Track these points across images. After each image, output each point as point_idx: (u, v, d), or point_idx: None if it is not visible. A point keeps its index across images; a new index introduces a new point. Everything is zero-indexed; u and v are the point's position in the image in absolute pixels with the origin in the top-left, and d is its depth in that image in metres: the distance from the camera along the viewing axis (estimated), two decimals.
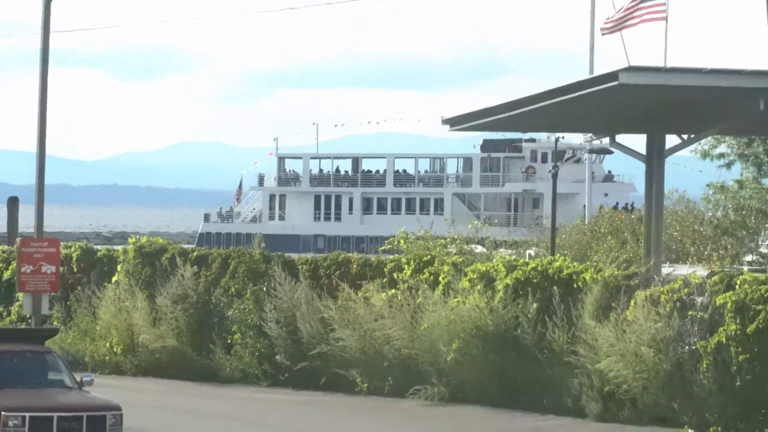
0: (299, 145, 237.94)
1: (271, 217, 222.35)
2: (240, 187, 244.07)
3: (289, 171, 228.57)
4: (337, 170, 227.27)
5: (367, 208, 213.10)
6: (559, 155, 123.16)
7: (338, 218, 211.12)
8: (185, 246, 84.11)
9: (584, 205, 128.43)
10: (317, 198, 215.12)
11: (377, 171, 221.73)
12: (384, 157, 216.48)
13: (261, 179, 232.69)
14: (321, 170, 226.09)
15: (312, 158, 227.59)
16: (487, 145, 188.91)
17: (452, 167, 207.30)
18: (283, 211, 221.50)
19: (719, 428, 53.06)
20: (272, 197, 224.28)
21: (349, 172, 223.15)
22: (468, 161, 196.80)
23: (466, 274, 61.96)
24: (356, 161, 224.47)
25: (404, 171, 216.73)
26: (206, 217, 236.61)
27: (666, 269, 65.46)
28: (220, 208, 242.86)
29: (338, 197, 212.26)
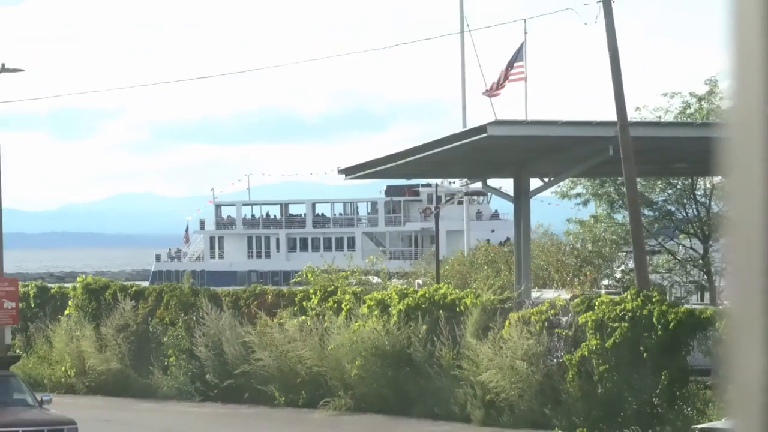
0: (222, 193, 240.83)
1: (212, 256, 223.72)
2: (187, 230, 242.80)
3: (226, 216, 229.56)
4: (267, 215, 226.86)
5: (292, 246, 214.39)
6: (445, 198, 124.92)
7: (268, 256, 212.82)
8: (127, 283, 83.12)
9: (475, 240, 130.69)
10: (250, 239, 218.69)
11: (299, 215, 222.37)
12: (304, 203, 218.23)
13: (202, 224, 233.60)
14: (253, 215, 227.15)
15: (244, 205, 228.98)
16: (390, 190, 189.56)
17: (362, 210, 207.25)
18: (222, 250, 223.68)
19: (585, 430, 53.78)
20: (212, 239, 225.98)
21: (277, 216, 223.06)
22: (374, 205, 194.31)
23: (365, 302, 63.13)
24: (283, 207, 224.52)
25: (322, 214, 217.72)
26: (158, 257, 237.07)
27: (535, 293, 66.41)
28: (170, 249, 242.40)
29: (267, 238, 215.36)
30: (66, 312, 73.58)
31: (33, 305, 75.70)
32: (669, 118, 76.76)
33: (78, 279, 77.02)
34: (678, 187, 78.90)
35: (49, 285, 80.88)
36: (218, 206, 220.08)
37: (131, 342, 70.64)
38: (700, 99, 79.12)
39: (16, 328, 69.46)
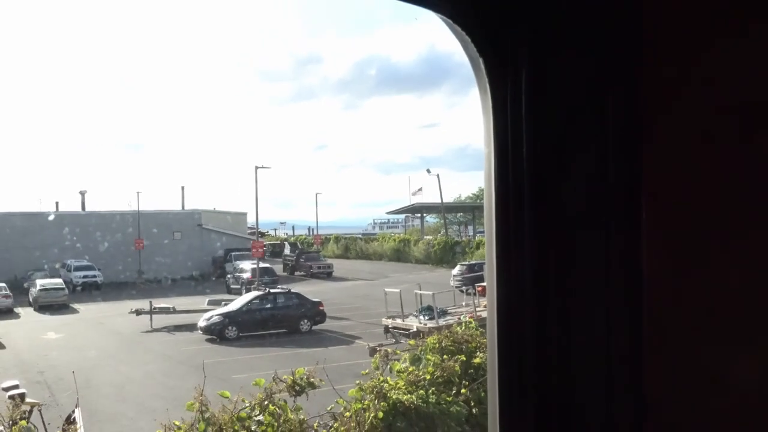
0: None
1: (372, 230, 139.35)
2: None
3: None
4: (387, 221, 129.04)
5: (382, 227, 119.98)
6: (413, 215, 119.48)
7: (382, 229, 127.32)
8: (342, 234, 67.06)
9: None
10: (378, 225, 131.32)
11: (387, 220, 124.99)
12: (386, 219, 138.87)
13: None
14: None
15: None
16: (406, 216, 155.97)
17: (401, 219, 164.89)
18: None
19: (433, 265, 47.94)
20: (377, 224, 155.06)
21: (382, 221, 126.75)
22: (403, 219, 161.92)
23: (390, 239, 57.35)
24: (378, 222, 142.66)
25: (390, 220, 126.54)
26: (364, 229, 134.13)
27: (425, 237, 58.47)
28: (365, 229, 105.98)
29: (383, 224, 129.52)
30: (330, 241, 62.34)
31: (324, 240, 62.15)
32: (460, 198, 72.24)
33: (333, 235, 64.44)
34: (454, 215, 73.44)
35: (327, 237, 66.68)
36: (374, 220, 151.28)
37: (343, 247, 62.47)
38: (458, 197, 74.80)
39: (320, 244, 58.51)
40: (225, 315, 23.48)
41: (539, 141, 1.26)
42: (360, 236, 69.57)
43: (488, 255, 1.35)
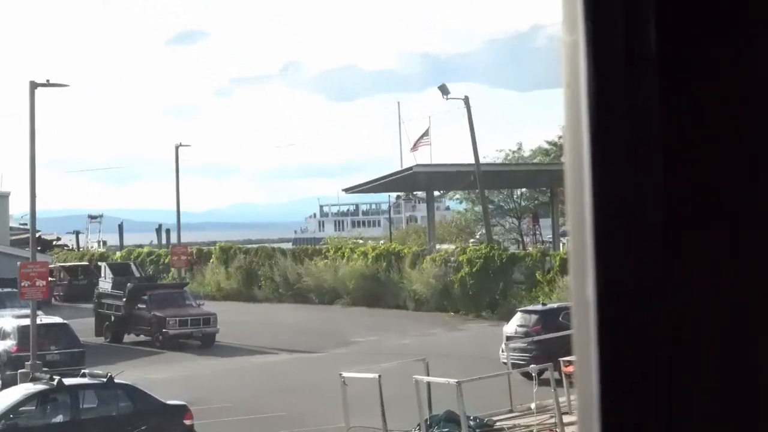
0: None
1: (319, 230, 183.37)
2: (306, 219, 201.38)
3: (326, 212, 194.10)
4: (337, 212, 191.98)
5: (340, 227, 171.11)
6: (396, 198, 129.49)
7: (340, 229, 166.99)
8: (241, 246, 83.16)
9: (406, 223, 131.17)
10: (331, 222, 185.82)
11: (341, 210, 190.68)
12: (348, 205, 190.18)
13: (312, 216, 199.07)
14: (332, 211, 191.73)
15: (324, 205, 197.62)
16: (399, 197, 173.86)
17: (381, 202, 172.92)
18: (322, 228, 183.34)
19: (462, 311, 58.33)
20: (319, 222, 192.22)
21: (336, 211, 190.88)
22: (384, 200, 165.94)
23: (353, 252, 66.98)
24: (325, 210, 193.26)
25: (355, 206, 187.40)
26: (295, 232, 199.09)
27: (438, 246, 68.35)
28: (296, 230, 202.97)
29: (330, 223, 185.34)
30: (211, 260, 74.33)
31: (196, 257, 74.58)
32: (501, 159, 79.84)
33: (217, 245, 77.39)
34: (504, 194, 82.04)
35: (204, 249, 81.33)
36: (321, 207, 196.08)
37: (242, 274, 71.89)
38: (515, 151, 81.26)
39: (188, 268, 69.47)
40: None
41: (683, 24, 1.80)
42: (286, 247, 79.05)
43: (575, 241, 1.87)
